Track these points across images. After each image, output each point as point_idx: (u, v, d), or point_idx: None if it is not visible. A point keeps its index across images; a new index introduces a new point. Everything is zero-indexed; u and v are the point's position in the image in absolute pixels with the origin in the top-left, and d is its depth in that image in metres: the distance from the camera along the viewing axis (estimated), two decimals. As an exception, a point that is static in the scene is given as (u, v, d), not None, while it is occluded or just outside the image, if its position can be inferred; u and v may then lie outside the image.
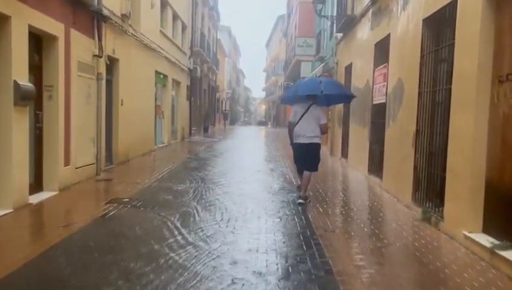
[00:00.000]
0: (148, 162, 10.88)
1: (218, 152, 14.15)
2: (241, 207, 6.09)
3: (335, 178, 9.46)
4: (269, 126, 49.87)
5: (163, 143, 15.17)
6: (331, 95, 7.04)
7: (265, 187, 7.72)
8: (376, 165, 8.33)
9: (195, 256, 4.05)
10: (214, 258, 4.00)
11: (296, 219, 5.50)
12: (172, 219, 5.36)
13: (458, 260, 4.04)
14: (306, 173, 6.46)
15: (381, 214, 5.95)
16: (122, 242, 4.44)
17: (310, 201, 6.47)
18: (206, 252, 4.15)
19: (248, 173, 9.41)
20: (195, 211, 5.81)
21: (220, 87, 37.09)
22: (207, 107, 27.77)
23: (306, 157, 6.46)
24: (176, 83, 17.58)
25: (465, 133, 4.43)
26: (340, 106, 12.58)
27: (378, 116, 8.31)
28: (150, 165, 10.44)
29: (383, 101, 7.76)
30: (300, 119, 6.44)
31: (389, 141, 7.34)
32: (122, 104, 10.08)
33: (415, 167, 5.93)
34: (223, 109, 39.42)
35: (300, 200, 6.33)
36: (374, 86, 8.46)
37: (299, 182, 6.75)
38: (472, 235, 4.21)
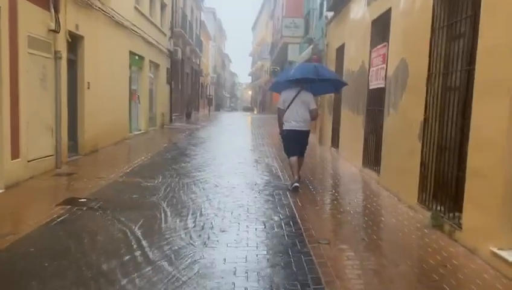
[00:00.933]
0: (119, 153, 9.84)
1: (199, 141, 13.16)
2: (219, 209, 5.17)
3: (325, 171, 8.58)
4: (255, 112, 48.83)
5: (140, 130, 14.10)
6: (321, 83, 6.84)
7: (249, 183, 6.80)
8: (372, 157, 7.48)
9: (154, 283, 3.13)
10: (178, 286, 3.08)
11: (284, 225, 4.60)
12: (134, 226, 4.41)
13: (489, 287, 3.20)
14: (299, 158, 6.49)
15: (382, 219, 5.09)
16: (60, 263, 3.47)
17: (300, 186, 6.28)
18: (169, 277, 3.23)
19: (230, 165, 8.46)
20: (163, 215, 4.87)
21: (204, 71, 35.83)
22: (190, 92, 26.59)
23: (299, 144, 6.44)
24: (155, 66, 16.42)
25: (495, 124, 3.55)
26: (330, 91, 11.66)
27: (376, 102, 7.42)
28: (120, 156, 9.41)
29: (382, 85, 6.86)
30: (290, 104, 6.33)
31: (389, 131, 6.47)
32: (88, 88, 8.99)
33: (422, 163, 5.07)
34: (208, 94, 38.18)
35: (296, 184, 6.20)
36: (371, 69, 7.55)
37: (291, 171, 6.51)
38: (503, 254, 3.37)
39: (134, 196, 5.77)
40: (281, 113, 6.45)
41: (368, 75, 7.72)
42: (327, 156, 10.64)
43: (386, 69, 6.66)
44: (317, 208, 5.47)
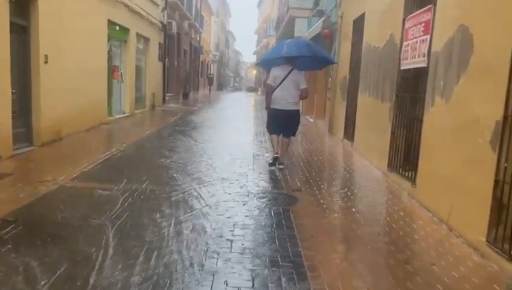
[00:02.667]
0: (88, 142, 8.11)
1: (191, 126, 11.42)
2: (189, 247, 3.47)
3: (338, 174, 6.82)
4: (259, 93, 46.79)
5: (124, 113, 12.35)
6: (307, 59, 6.69)
7: (240, 193, 5.09)
8: (402, 159, 5.74)
9: None
10: None
11: (284, 278, 2.91)
12: (45, 280, 2.74)
13: None
14: (285, 139, 6.46)
15: (445, 267, 3.36)
16: None
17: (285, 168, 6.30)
18: None
19: (220, 164, 6.73)
20: (101, 255, 3.18)
21: (205, 48, 33.79)
22: (188, 70, 24.71)
23: (286, 124, 6.37)
24: (144, 40, 14.55)
25: None
26: (344, 71, 9.83)
27: (410, 87, 5.64)
28: (87, 146, 7.69)
29: (422, 64, 5.06)
30: (280, 83, 6.24)
31: (434, 127, 4.70)
32: (46, 62, 7.22)
33: (498, 183, 3.33)
34: (208, 73, 36.22)
35: (280, 166, 6.31)
36: (404, 43, 5.73)
37: (273, 149, 6.61)
38: None
39: (75, 214, 4.08)
40: (269, 90, 6.38)
41: (400, 52, 5.90)
42: (338, 150, 8.89)
43: (431, 42, 4.84)
44: (335, 245, 3.75)
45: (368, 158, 7.32)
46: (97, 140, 8.49)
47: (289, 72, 6.26)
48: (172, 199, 4.72)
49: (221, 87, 49.53)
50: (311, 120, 14.55)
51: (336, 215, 4.45)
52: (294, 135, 6.65)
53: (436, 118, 4.63)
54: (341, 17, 10.45)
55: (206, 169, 6.24)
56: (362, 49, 8.26)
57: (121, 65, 12.01)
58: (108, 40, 10.54)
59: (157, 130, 10.40)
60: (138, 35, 13.48)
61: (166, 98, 17.88)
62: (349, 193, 5.32)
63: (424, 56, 5.00)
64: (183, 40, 22.52)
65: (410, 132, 5.66)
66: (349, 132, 9.18)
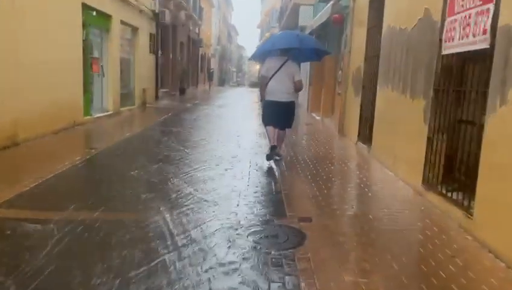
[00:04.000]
0: (47, 149, 6.68)
1: (181, 127, 10.00)
2: None
3: (355, 190, 5.31)
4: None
5: (107, 111, 10.94)
6: (304, 51, 6.61)
7: (228, 224, 3.67)
8: (444, 176, 4.30)
9: None
10: None
11: None
12: None
13: None
14: (281, 131, 6.35)
15: None
16: None
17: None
18: None
19: (208, 179, 5.31)
20: None
21: (206, 41, 32.30)
22: (185, 64, 23.26)
23: (282, 116, 6.25)
24: (132, 29, 13.12)
25: None
26: (358, 62, 8.37)
27: (456, 78, 4.19)
28: (43, 155, 6.26)
29: (483, 45, 3.59)
30: (274, 74, 6.11)
31: (505, 137, 3.24)
32: (-8, 51, 5.82)
33: None
34: (209, 67, 34.75)
35: (277, 157, 6.27)
36: (449, 19, 4.26)
37: (270, 140, 6.31)
38: None
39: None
40: (263, 82, 6.26)
41: (441, 32, 4.43)
42: (352, 155, 7.43)
43: (497, 12, 3.38)
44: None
45: (391, 168, 5.87)
46: (61, 146, 7.07)
47: (283, 63, 6.12)
48: (127, 236, 3.31)
49: (223, 82, 48.03)
50: (317, 118, 13.10)
51: (363, 266, 3.01)
52: (290, 126, 6.53)
53: (509, 122, 3.17)
54: (354, -1, 8.96)
55: (189, 186, 4.81)
56: (382, 34, 6.79)
57: (102, 57, 10.58)
58: (84, 27, 9.11)
59: (140, 131, 8.98)
60: (124, 24, 12.05)
61: (160, 94, 16.45)
62: (375, 223, 3.87)
63: (485, 33, 3.53)
64: (179, 31, 21.07)
65: (456, 138, 4.22)
66: (365, 134, 7.72)
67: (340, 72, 10.05)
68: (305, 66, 17.05)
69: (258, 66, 64.94)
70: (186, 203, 4.19)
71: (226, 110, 14.94)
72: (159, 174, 5.32)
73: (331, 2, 10.48)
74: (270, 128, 6.27)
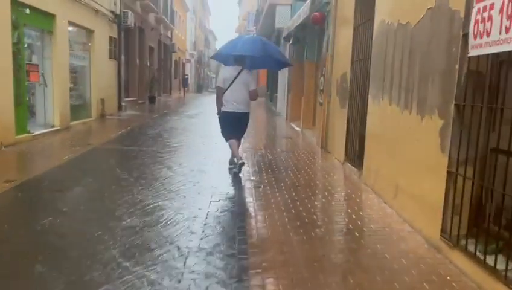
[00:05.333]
0: None
1: (137, 145, 8.50)
2: None
3: (350, 243, 3.96)
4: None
5: (52, 127, 9.34)
6: (267, 58, 6.52)
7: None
8: (476, 226, 2.98)
9: None
10: None
11: None
12: None
13: None
14: (235, 141, 6.20)
15: None
16: None
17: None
18: None
19: (154, 233, 3.87)
20: None
21: (180, 46, 30.76)
22: (154, 70, 21.69)
23: (237, 127, 6.22)
24: (84, 32, 11.57)
25: None
26: (343, 67, 7.07)
27: (492, 91, 2.90)
28: None
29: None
30: (230, 85, 6.04)
31: None
32: None
33: None
34: (184, 73, 33.19)
35: (241, 161, 6.01)
36: (478, 5, 2.96)
37: (235, 155, 6.14)
38: None
39: None
40: (220, 93, 6.15)
41: (467, 24, 3.13)
42: (339, 182, 6.08)
43: None
44: None
45: (391, 203, 4.55)
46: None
47: (239, 73, 6.07)
48: None
49: (200, 88, 46.37)
50: (297, 129, 11.78)
51: None
52: (242, 136, 6.52)
53: None
54: (336, -7, 7.69)
55: (122, 254, 3.35)
56: (374, 33, 5.50)
57: (43, 64, 9.00)
58: (16, 28, 7.55)
59: (85, 152, 7.44)
60: (74, 25, 10.51)
61: (124, 103, 14.88)
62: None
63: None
64: (148, 35, 19.53)
65: (489, 174, 2.92)
66: (354, 154, 6.41)
67: (322, 78, 8.75)
68: (284, 72, 15.79)
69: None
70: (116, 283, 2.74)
71: (196, 122, 13.45)
72: (82, 228, 3.85)
73: (309, 0, 9.19)
74: (233, 141, 6.19)
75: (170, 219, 4.05)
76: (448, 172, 3.35)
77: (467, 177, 3.15)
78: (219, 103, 6.16)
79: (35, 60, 8.66)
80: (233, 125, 6.15)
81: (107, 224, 3.85)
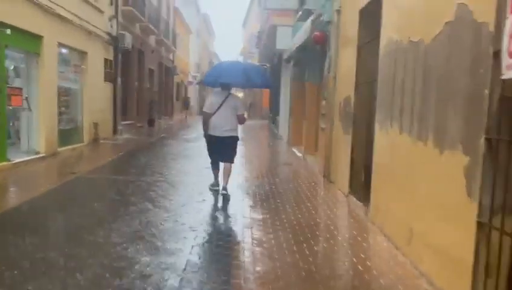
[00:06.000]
0: None
1: (125, 175, 7.88)
2: None
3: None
4: (245, 115, 43.42)
5: (37, 153, 8.75)
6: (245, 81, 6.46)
7: None
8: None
9: None
10: None
11: None
12: None
13: None
14: (226, 165, 6.25)
15: None
16: None
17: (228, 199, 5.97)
18: None
19: None
20: None
21: (182, 68, 30.51)
22: (154, 92, 21.26)
23: (224, 151, 6.22)
24: (79, 54, 11.13)
25: None
26: (347, 90, 6.47)
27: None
28: None
29: None
30: (217, 110, 6.11)
31: None
32: None
33: None
34: (185, 95, 32.86)
35: (223, 191, 6.09)
36: (515, 16, 2.37)
37: (214, 178, 6.43)
38: None
39: None
40: (206, 117, 6.20)
41: (498, 40, 2.52)
42: (343, 218, 5.39)
43: None
44: None
45: (405, 250, 3.85)
46: None
47: (226, 98, 6.13)
48: None
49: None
50: (299, 154, 11.13)
51: None
52: (232, 161, 6.34)
53: None
54: (338, 11, 7.16)
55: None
56: (380, 52, 4.92)
57: (28, 87, 8.48)
58: (-5, 49, 7.08)
59: (63, 183, 6.81)
60: (64, 47, 10.07)
61: (120, 127, 14.35)
62: None
63: None
64: (148, 57, 19.18)
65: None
66: (360, 185, 5.75)
67: (323, 102, 8.16)
68: (286, 93, 15.27)
69: (241, 94, 63.46)
70: None
71: (194, 146, 12.79)
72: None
73: (311, 18, 8.69)
74: (215, 165, 6.37)
75: (143, 270, 3.38)
76: (478, 223, 2.68)
77: (505, 231, 2.48)
78: (205, 127, 6.22)
79: (18, 83, 8.15)
80: (219, 148, 6.18)
81: (62, 280, 3.19)
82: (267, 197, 6.19)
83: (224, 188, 6.11)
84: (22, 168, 7.76)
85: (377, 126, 4.99)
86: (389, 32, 4.63)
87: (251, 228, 4.71)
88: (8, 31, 7.23)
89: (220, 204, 5.89)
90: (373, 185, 5.08)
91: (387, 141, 4.60)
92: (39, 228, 4.51)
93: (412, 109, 3.90)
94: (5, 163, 7.44)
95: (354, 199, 5.86)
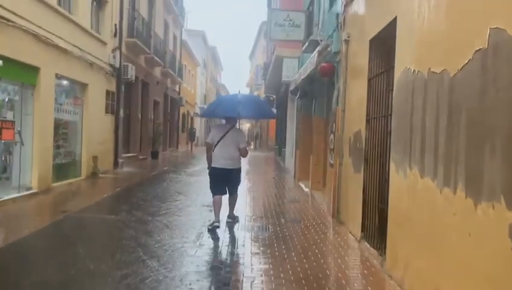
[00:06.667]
0: None
1: (118, 215, 7.34)
2: None
3: None
4: (251, 147, 42.99)
5: (29, 189, 8.29)
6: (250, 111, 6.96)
7: None
8: None
9: None
10: None
11: None
12: None
13: None
14: (231, 196, 6.49)
15: None
16: None
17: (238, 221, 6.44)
18: None
19: None
20: None
21: (188, 99, 30.42)
22: (159, 124, 20.97)
23: (227, 183, 6.31)
24: (79, 86, 10.86)
25: None
26: (357, 124, 5.98)
27: None
28: None
29: None
30: (219, 142, 6.23)
31: None
32: None
33: None
34: (192, 127, 32.63)
35: (229, 220, 6.42)
36: None
37: (215, 215, 6.21)
38: None
39: None
40: (208, 148, 6.40)
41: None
42: (355, 269, 4.75)
43: None
44: None
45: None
46: None
47: (227, 131, 6.24)
48: None
49: (210, 141, 45.78)
50: (306, 190, 10.56)
51: None
52: (236, 191, 6.53)
53: None
54: (346, 41, 6.78)
55: None
56: (395, 85, 4.45)
57: (21, 120, 8.12)
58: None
59: (51, 224, 6.29)
60: (63, 79, 9.79)
61: (121, 160, 13.93)
62: None
63: None
64: (152, 89, 18.99)
65: None
66: (373, 230, 5.17)
67: (331, 136, 7.67)
68: (292, 126, 14.85)
69: (247, 125, 63.29)
70: None
71: (196, 181, 12.23)
72: None
73: (318, 49, 8.33)
74: (217, 198, 6.23)
75: None
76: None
77: None
78: (208, 159, 6.37)
79: (11, 116, 7.79)
80: (222, 181, 6.25)
81: None
82: (271, 243, 5.60)
83: (231, 217, 6.45)
84: (10, 205, 7.27)
85: (392, 166, 4.46)
86: (405, 62, 4.18)
87: (252, 281, 4.13)
88: (0, 62, 6.91)
89: (218, 249, 5.32)
90: (389, 232, 4.50)
91: (406, 184, 4.05)
92: (19, 278, 3.96)
93: (435, 149, 3.39)
94: (-9, 201, 6.97)
95: (368, 245, 5.26)
